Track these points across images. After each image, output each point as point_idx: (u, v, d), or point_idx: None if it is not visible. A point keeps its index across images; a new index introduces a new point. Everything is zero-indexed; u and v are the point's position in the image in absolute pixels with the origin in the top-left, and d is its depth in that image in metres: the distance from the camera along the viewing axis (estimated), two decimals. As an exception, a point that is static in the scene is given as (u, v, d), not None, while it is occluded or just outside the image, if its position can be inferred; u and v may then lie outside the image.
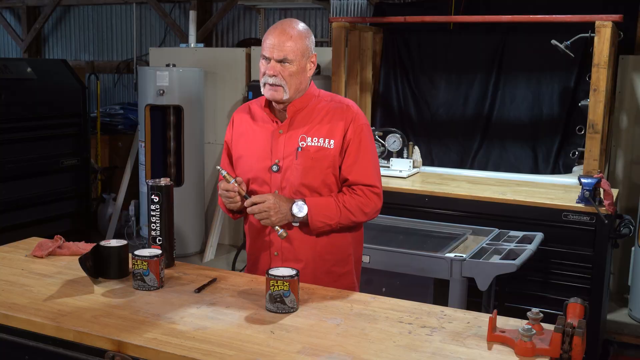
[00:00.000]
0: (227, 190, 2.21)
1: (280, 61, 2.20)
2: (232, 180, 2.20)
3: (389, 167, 4.46)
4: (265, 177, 2.29)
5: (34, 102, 5.14)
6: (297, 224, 2.21)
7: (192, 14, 6.32)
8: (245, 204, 2.20)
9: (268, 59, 2.22)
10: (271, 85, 2.23)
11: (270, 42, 2.21)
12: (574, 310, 1.77)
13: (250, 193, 2.29)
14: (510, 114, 4.87)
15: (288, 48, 2.19)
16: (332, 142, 2.26)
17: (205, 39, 6.93)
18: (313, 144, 2.26)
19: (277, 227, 2.18)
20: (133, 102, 7.16)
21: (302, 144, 2.26)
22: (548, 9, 4.67)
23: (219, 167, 2.26)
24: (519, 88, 4.84)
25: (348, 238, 2.35)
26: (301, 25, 2.26)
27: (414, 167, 4.50)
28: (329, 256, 2.32)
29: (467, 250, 3.17)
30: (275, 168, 2.28)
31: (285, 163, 2.27)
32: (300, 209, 2.20)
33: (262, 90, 2.27)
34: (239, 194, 2.22)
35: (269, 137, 2.30)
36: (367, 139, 2.30)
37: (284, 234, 2.19)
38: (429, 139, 5.07)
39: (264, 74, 2.24)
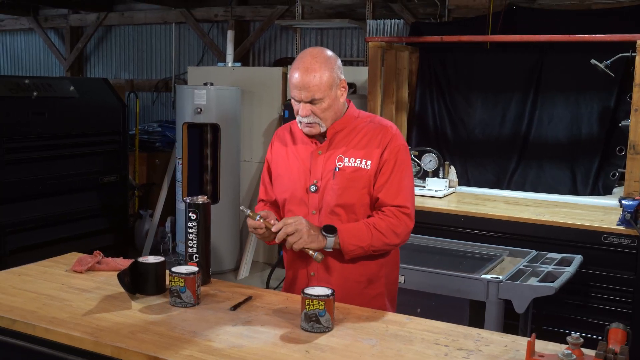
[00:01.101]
0: (255, 228, 2.21)
1: (310, 101, 2.20)
2: (257, 217, 2.20)
3: (424, 186, 4.44)
4: (303, 197, 2.29)
5: (75, 120, 5.26)
6: (330, 249, 2.20)
7: (230, 34, 6.43)
8: (274, 228, 2.17)
9: (298, 100, 2.22)
10: (307, 123, 2.25)
11: (296, 82, 2.18)
12: (616, 335, 1.72)
13: (287, 213, 2.30)
14: (548, 133, 4.81)
15: (314, 87, 2.16)
16: (369, 162, 2.25)
17: (243, 58, 7.02)
18: (350, 164, 2.26)
19: (310, 251, 2.14)
20: (171, 120, 7.28)
21: (340, 165, 2.26)
22: (587, 28, 4.60)
23: (242, 208, 2.27)
24: (557, 108, 4.78)
25: (380, 261, 2.33)
26: (323, 56, 2.20)
27: (449, 187, 4.47)
28: (361, 278, 2.31)
29: (504, 272, 3.12)
30: (313, 188, 2.28)
31: (322, 183, 2.27)
32: (329, 231, 2.18)
33: (299, 126, 2.29)
34: (267, 228, 2.20)
35: (309, 157, 2.31)
36: (403, 160, 2.28)
37: (320, 257, 2.14)
38: (465, 158, 5.03)
39: (297, 113, 2.24)
